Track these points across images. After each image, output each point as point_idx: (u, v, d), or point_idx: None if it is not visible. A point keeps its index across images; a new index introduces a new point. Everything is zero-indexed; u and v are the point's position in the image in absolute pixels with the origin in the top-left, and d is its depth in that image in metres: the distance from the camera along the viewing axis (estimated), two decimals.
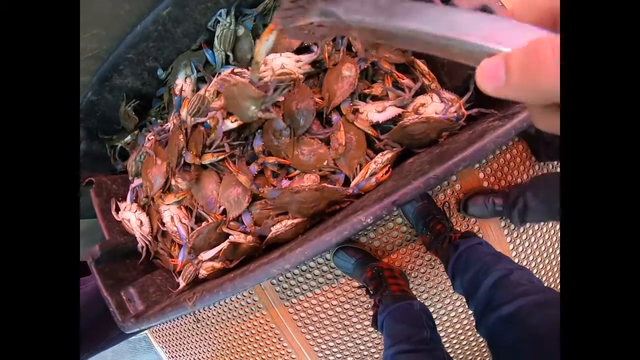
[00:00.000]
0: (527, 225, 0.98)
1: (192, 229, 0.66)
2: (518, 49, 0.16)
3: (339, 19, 0.24)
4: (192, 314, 1.15)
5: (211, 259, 0.63)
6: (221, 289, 0.55)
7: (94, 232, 1.03)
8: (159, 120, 0.77)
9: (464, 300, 1.03)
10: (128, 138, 0.79)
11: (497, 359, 0.58)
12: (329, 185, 0.57)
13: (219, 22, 0.69)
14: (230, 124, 0.61)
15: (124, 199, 0.77)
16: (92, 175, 0.78)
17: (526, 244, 0.99)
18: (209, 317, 1.11)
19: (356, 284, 0.98)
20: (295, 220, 0.59)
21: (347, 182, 0.63)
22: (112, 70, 0.71)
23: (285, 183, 0.62)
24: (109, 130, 0.81)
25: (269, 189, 0.59)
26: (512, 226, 0.97)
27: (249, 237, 0.60)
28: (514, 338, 0.55)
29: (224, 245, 0.59)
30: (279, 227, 0.59)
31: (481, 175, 0.95)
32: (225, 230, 0.61)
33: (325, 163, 0.61)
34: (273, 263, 0.49)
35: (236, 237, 0.59)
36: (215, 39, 0.69)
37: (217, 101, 0.64)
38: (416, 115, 0.61)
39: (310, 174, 0.61)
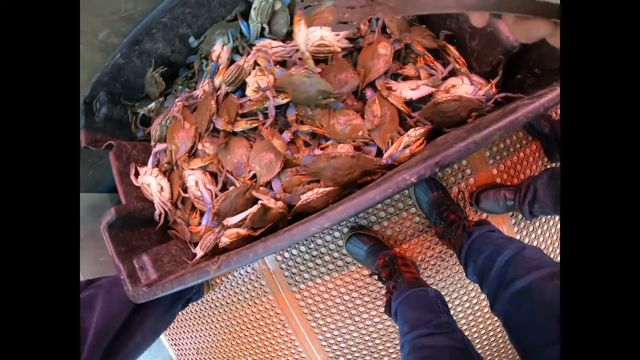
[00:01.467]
0: (537, 223, 1.00)
1: (216, 196, 0.65)
2: None
3: None
4: None
5: (236, 225, 0.62)
6: (251, 251, 0.53)
7: (105, 207, 1.00)
8: (186, 89, 0.77)
9: (473, 294, 1.03)
10: (152, 105, 0.78)
11: (513, 335, 0.58)
12: (365, 155, 0.57)
13: None
14: (280, 101, 0.63)
15: (144, 165, 0.75)
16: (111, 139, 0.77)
17: (535, 243, 1.01)
18: (212, 300, 1.08)
19: (366, 272, 0.98)
20: (327, 189, 0.59)
21: (378, 156, 0.63)
22: (144, 33, 0.71)
23: (317, 152, 0.62)
24: (132, 97, 0.79)
25: (304, 155, 0.59)
26: (523, 224, 0.99)
27: (279, 203, 0.59)
28: (530, 311, 0.55)
29: (254, 208, 0.58)
30: (310, 195, 0.59)
31: (495, 171, 0.97)
32: (255, 194, 0.60)
33: (360, 134, 0.61)
34: (312, 222, 0.48)
35: (266, 201, 0.58)
36: (252, 10, 0.70)
37: (264, 77, 0.64)
38: (449, 94, 0.62)
39: (344, 144, 0.61)
